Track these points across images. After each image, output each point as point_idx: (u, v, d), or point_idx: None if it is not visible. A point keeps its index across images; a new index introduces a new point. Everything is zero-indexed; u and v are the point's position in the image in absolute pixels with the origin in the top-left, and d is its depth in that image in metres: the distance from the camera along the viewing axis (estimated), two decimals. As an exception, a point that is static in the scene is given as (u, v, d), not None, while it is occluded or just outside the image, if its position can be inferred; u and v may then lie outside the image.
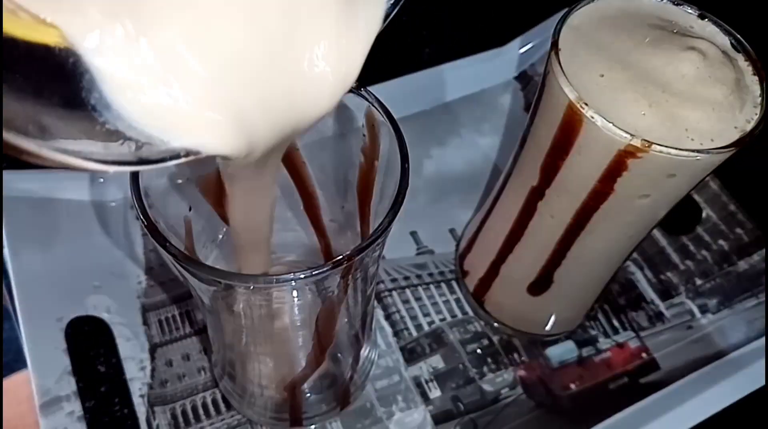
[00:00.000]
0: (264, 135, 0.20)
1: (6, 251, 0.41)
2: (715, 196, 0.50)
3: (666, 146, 0.28)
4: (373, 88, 0.49)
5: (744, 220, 0.50)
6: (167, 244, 0.25)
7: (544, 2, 0.50)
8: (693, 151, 0.28)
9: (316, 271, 0.24)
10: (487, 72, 0.55)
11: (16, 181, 0.43)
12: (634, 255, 0.48)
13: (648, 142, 0.28)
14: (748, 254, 0.48)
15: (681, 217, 0.50)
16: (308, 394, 0.37)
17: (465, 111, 0.54)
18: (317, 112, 0.20)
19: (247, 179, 0.23)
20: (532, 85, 0.55)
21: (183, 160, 0.18)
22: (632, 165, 0.29)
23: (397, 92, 0.51)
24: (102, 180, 0.45)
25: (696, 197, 0.50)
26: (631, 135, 0.28)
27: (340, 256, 0.25)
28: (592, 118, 0.28)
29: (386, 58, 0.55)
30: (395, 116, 0.28)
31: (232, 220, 0.26)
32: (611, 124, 0.28)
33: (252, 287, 0.26)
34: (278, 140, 0.20)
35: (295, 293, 0.27)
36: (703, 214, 0.50)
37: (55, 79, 0.15)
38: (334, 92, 0.20)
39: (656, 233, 0.49)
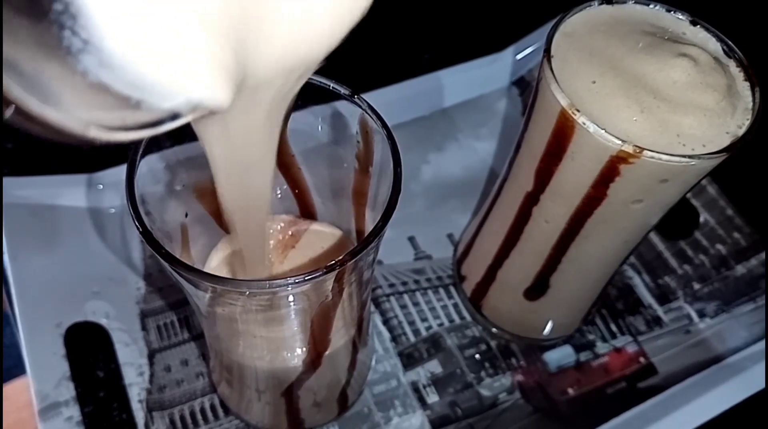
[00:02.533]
0: (265, 69, 0.19)
1: (6, 257, 0.41)
2: (713, 200, 0.50)
3: (658, 152, 0.28)
4: (372, 94, 0.50)
5: (742, 224, 0.50)
6: (163, 250, 0.25)
7: (542, 8, 0.50)
8: (685, 156, 0.28)
9: (310, 276, 0.25)
10: (484, 77, 0.55)
11: (16, 188, 0.43)
12: (632, 259, 0.48)
13: (640, 147, 0.28)
14: (746, 259, 0.48)
15: (679, 222, 0.50)
16: (305, 399, 0.37)
17: (463, 116, 0.54)
18: (317, 50, 0.20)
19: (248, 134, 0.22)
20: (530, 91, 0.55)
21: (183, 119, 0.16)
22: (625, 171, 0.29)
23: (395, 98, 0.51)
24: (101, 186, 0.45)
25: (694, 202, 0.50)
26: (623, 141, 0.28)
27: (333, 261, 0.25)
28: (584, 124, 0.29)
29: (385, 64, 0.56)
30: (394, 122, 0.29)
31: (229, 197, 0.24)
32: (603, 131, 0.28)
33: (247, 293, 0.26)
34: (279, 79, 0.20)
35: (290, 298, 0.27)
36: (701, 219, 0.50)
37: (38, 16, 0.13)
38: (332, 30, 0.19)
39: (654, 238, 0.49)
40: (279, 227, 0.36)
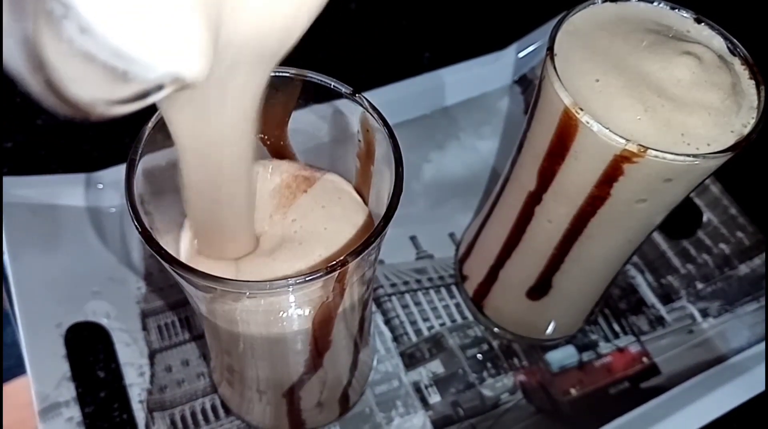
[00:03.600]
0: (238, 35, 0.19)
1: (6, 257, 0.41)
2: (716, 199, 0.50)
3: (662, 151, 0.27)
4: (373, 93, 0.50)
5: (745, 223, 0.49)
6: (162, 250, 0.25)
7: (545, 5, 0.50)
8: (689, 155, 0.28)
9: (311, 276, 0.24)
10: (486, 76, 0.55)
11: (16, 187, 0.43)
12: (635, 259, 0.48)
13: (644, 147, 0.28)
14: (749, 258, 0.48)
15: (682, 221, 0.50)
16: (307, 400, 0.37)
17: (465, 115, 0.54)
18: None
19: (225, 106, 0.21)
20: (533, 89, 0.55)
21: (167, 90, 0.17)
22: (628, 170, 0.29)
23: (396, 96, 0.51)
24: (101, 186, 0.45)
25: (697, 201, 0.50)
26: (627, 140, 0.28)
27: (335, 262, 0.25)
28: (588, 123, 0.28)
29: (386, 63, 0.56)
30: (395, 121, 0.28)
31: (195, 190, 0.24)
32: (607, 130, 0.28)
33: (247, 294, 0.26)
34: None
35: (291, 298, 0.27)
36: (704, 218, 0.50)
37: None
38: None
39: (657, 237, 0.49)
40: (281, 172, 0.32)
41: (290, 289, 0.26)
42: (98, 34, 0.15)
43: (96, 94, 0.16)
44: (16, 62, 0.15)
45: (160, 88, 0.17)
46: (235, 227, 0.27)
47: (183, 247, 0.31)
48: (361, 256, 0.25)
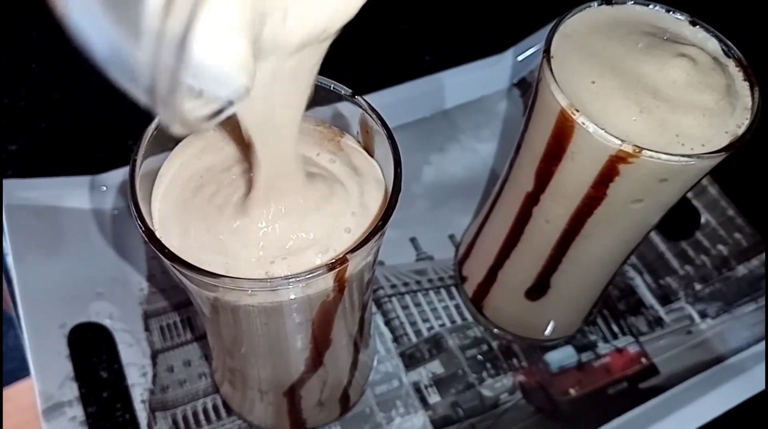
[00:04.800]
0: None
1: (10, 259, 0.42)
2: (714, 201, 0.50)
3: (657, 152, 0.28)
4: (374, 95, 0.50)
5: (743, 225, 0.50)
6: (165, 250, 0.25)
7: (543, 9, 0.50)
8: (684, 156, 0.28)
9: (310, 274, 0.25)
10: (486, 79, 0.55)
11: (20, 189, 0.44)
12: (633, 260, 0.48)
13: (639, 147, 0.28)
14: (747, 259, 0.48)
15: (680, 222, 0.50)
16: (307, 399, 0.37)
17: (464, 118, 0.54)
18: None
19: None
20: (531, 92, 0.55)
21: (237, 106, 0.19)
22: (624, 170, 0.29)
23: (397, 99, 0.52)
24: (104, 188, 0.45)
25: (695, 202, 0.50)
26: (623, 141, 0.28)
27: (333, 259, 0.25)
28: (584, 124, 0.29)
29: (386, 66, 0.56)
30: (395, 123, 0.29)
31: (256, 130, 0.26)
32: (603, 131, 0.28)
33: (249, 291, 0.27)
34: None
35: (291, 296, 0.27)
36: (702, 220, 0.50)
37: None
38: None
39: (655, 238, 0.49)
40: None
41: (290, 287, 0.26)
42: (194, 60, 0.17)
43: (196, 112, 0.19)
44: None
45: (230, 103, 0.19)
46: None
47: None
48: (357, 253, 0.25)
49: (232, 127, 0.30)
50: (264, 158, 0.26)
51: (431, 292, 0.46)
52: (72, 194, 0.45)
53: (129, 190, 0.26)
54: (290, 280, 0.25)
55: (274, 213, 0.27)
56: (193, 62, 0.17)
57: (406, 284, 0.46)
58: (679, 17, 0.33)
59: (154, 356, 0.41)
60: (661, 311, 0.46)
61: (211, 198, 0.28)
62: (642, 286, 0.47)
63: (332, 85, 0.30)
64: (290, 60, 0.22)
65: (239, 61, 0.19)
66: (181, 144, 0.30)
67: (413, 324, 0.45)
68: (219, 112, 0.19)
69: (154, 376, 0.41)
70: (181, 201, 0.28)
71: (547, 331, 0.43)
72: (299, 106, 0.25)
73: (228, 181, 0.29)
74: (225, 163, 0.30)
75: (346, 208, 0.28)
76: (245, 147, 0.29)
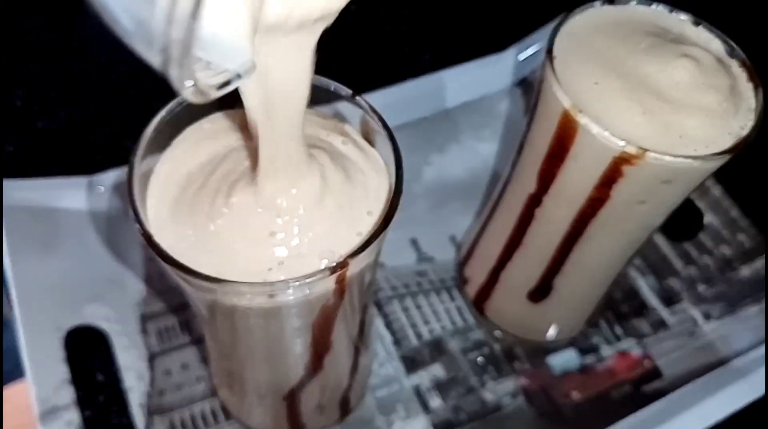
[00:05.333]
0: None
1: (6, 260, 0.41)
2: (717, 201, 0.50)
3: (660, 153, 0.28)
4: (374, 95, 0.50)
5: (746, 226, 0.49)
6: (163, 251, 0.25)
7: (545, 8, 0.50)
8: (688, 157, 0.28)
9: (311, 277, 0.24)
10: (487, 78, 0.55)
11: (17, 190, 0.43)
12: (636, 261, 0.48)
13: (643, 149, 0.28)
14: (750, 260, 0.48)
15: (683, 224, 0.50)
16: (307, 403, 0.37)
17: (465, 117, 0.54)
18: None
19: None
20: (533, 91, 0.55)
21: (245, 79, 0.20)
22: (627, 172, 0.29)
23: (396, 99, 0.51)
24: (102, 189, 0.45)
25: (698, 203, 0.50)
26: (626, 142, 0.28)
27: (334, 263, 0.25)
28: (587, 125, 0.29)
29: (386, 65, 0.56)
30: (395, 123, 0.28)
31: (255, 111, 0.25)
32: (606, 132, 0.28)
33: (248, 295, 0.26)
34: None
35: (290, 299, 0.27)
36: (705, 220, 0.50)
37: None
38: None
39: (658, 240, 0.49)
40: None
41: (290, 290, 0.26)
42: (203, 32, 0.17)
43: (206, 81, 0.19)
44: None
45: (238, 76, 0.20)
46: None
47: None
48: (358, 256, 0.25)
49: (232, 121, 0.30)
50: (268, 145, 0.26)
51: (432, 294, 0.46)
52: (69, 195, 0.45)
53: (127, 192, 0.26)
54: (289, 283, 0.25)
55: (278, 211, 0.27)
56: (202, 35, 0.17)
57: (407, 286, 0.46)
58: (683, 17, 0.33)
59: (152, 359, 0.41)
60: (664, 313, 0.46)
61: (210, 196, 0.28)
62: (645, 288, 0.47)
63: (332, 86, 0.29)
64: (296, 35, 0.23)
65: (245, 35, 0.19)
66: (176, 140, 0.29)
67: (414, 326, 0.44)
68: (227, 83, 0.20)
69: (152, 379, 0.40)
70: (176, 199, 0.28)
71: (550, 334, 0.43)
72: (304, 88, 0.25)
73: (227, 177, 0.28)
74: (223, 157, 0.29)
75: (362, 208, 0.28)
76: (245, 139, 0.29)
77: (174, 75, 0.18)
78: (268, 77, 0.23)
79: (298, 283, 0.24)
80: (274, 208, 0.27)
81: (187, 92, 0.19)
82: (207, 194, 0.27)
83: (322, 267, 0.25)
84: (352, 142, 0.30)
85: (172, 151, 0.29)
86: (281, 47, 0.23)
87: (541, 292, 0.40)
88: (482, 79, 0.54)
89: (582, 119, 0.29)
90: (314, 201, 0.27)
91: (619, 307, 0.46)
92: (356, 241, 0.27)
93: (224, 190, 0.27)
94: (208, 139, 0.30)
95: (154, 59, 0.17)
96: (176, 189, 0.28)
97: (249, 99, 0.24)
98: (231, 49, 0.20)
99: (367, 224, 0.27)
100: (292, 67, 0.24)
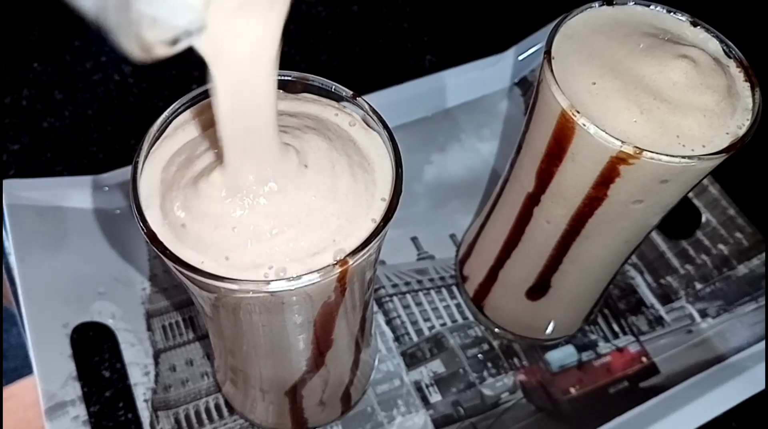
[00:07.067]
0: None
1: (12, 258, 0.42)
2: (715, 200, 0.51)
3: (657, 153, 0.28)
4: (375, 95, 0.50)
5: (743, 224, 0.50)
6: (167, 250, 0.25)
7: (544, 9, 0.50)
8: (684, 157, 0.28)
9: (312, 276, 0.25)
10: (487, 78, 0.55)
11: (23, 189, 0.44)
12: (634, 259, 0.48)
13: (640, 148, 0.28)
14: (747, 258, 0.48)
15: (681, 222, 0.50)
16: (309, 399, 0.37)
17: (465, 117, 0.54)
18: None
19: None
20: (533, 91, 0.55)
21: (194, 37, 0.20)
22: (625, 171, 0.29)
23: (397, 99, 0.52)
24: (107, 188, 0.46)
25: (695, 202, 0.51)
26: (623, 142, 0.28)
27: (335, 261, 0.25)
28: (585, 125, 0.29)
29: (387, 65, 0.56)
30: (396, 123, 0.29)
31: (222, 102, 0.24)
32: (603, 132, 0.29)
33: (250, 292, 0.27)
34: None
35: (292, 297, 0.28)
36: (703, 219, 0.50)
37: None
38: None
39: (656, 238, 0.49)
40: None
41: (292, 288, 0.26)
42: None
43: (153, 37, 0.19)
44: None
45: (188, 33, 0.20)
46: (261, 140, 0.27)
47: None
48: (359, 255, 0.26)
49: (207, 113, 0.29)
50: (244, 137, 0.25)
51: (432, 292, 0.46)
52: (74, 194, 0.45)
53: (131, 191, 0.26)
54: (291, 281, 0.25)
55: (279, 211, 0.26)
56: None
57: (407, 283, 0.46)
58: (680, 18, 0.33)
59: (157, 356, 0.41)
60: (662, 310, 0.46)
61: (209, 194, 0.27)
62: (642, 286, 0.48)
63: (333, 86, 0.30)
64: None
65: None
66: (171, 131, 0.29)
67: (414, 323, 0.45)
68: (176, 41, 0.19)
69: (157, 375, 0.41)
70: (166, 197, 0.28)
71: (548, 331, 0.43)
72: (270, 59, 0.24)
73: (205, 172, 0.27)
74: (204, 151, 0.28)
75: (365, 203, 0.28)
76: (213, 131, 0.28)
77: (111, 24, 0.17)
78: (229, 40, 0.22)
79: (299, 280, 0.25)
80: (273, 206, 0.26)
81: (129, 46, 0.18)
82: (212, 194, 0.27)
83: (324, 265, 0.25)
84: (358, 131, 0.30)
85: (157, 148, 0.29)
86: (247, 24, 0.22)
87: (539, 290, 0.40)
88: (482, 79, 0.55)
89: (579, 119, 0.29)
90: (320, 199, 0.27)
91: (617, 304, 0.46)
92: (358, 239, 0.27)
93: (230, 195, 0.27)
94: (185, 132, 0.29)
95: (86, 3, 0.17)
96: (165, 187, 0.28)
97: (212, 65, 0.23)
98: (179, 4, 0.19)
99: (367, 223, 0.28)
100: (256, 46, 0.23)
